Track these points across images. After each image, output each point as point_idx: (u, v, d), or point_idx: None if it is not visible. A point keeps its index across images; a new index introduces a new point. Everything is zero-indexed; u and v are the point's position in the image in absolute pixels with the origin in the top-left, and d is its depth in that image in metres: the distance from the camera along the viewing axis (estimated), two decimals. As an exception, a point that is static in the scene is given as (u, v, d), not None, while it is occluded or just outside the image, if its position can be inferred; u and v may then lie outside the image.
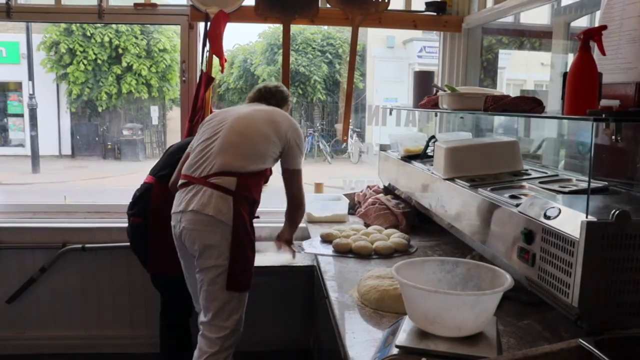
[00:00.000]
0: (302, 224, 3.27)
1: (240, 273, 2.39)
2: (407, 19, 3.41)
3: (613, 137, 1.25)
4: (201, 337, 2.43)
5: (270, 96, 2.80)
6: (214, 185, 2.36)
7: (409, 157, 2.84)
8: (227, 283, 2.35)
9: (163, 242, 2.58)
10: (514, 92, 2.13)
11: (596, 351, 1.14)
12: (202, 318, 2.45)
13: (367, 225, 2.95)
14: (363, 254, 2.48)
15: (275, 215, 3.63)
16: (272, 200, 3.39)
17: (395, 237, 2.61)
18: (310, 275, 3.15)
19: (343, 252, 2.53)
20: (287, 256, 3.20)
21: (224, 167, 2.39)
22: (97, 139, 13.82)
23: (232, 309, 2.40)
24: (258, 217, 2.64)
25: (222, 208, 2.33)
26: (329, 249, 2.60)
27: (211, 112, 3.16)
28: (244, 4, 3.19)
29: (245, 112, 2.58)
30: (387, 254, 2.47)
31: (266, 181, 2.66)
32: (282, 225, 2.81)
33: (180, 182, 2.47)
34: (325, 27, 11.14)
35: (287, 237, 2.81)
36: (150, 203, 2.70)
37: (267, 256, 3.24)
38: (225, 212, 2.33)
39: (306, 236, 3.05)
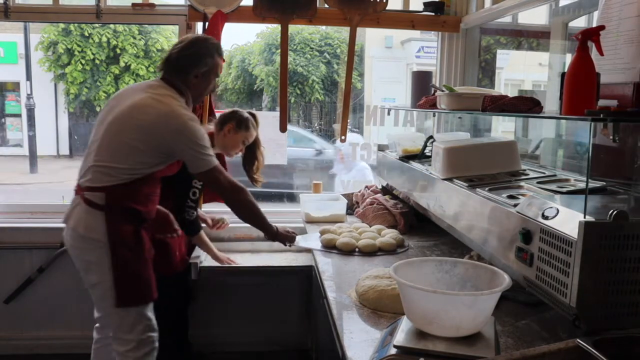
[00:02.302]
0: (300, 224, 3.28)
1: (130, 288, 2.23)
2: (405, 19, 3.41)
3: (611, 137, 1.25)
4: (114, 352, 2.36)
5: (170, 69, 2.34)
6: (85, 199, 2.19)
7: (407, 157, 2.84)
8: (116, 300, 2.21)
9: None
10: (512, 92, 2.13)
11: (594, 351, 1.14)
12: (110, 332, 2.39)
13: (370, 226, 2.96)
14: (345, 250, 2.54)
15: (271, 216, 3.62)
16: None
17: (387, 237, 2.62)
18: (308, 276, 3.15)
19: (329, 247, 2.61)
20: (286, 255, 3.22)
21: (94, 180, 2.19)
22: (95, 139, 13.77)
23: (131, 322, 2.27)
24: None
25: (93, 225, 2.18)
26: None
27: (213, 112, 3.15)
28: (242, 4, 3.19)
29: (124, 107, 2.23)
30: (369, 252, 2.52)
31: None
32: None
33: None
34: (324, 27, 11.14)
35: (269, 237, 2.65)
36: None
37: (264, 257, 3.24)
38: (97, 229, 2.18)
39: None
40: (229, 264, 3.02)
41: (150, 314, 2.34)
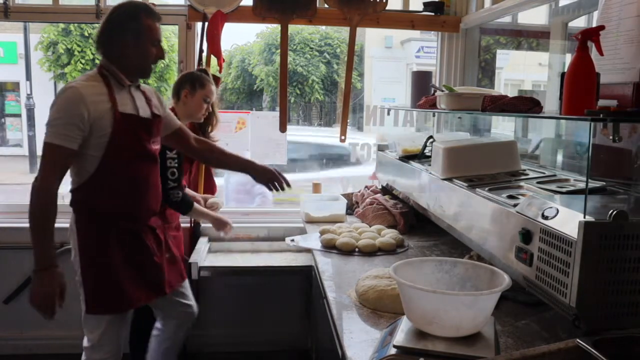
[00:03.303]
0: (300, 224, 3.28)
1: (94, 297, 2.17)
2: (405, 19, 3.41)
3: (611, 137, 1.25)
4: None
5: (99, 48, 2.15)
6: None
7: (406, 157, 2.84)
8: (85, 307, 2.20)
9: None
10: (511, 92, 2.13)
11: (594, 351, 1.14)
12: None
13: (369, 226, 2.96)
14: (345, 250, 2.53)
15: (271, 215, 3.64)
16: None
17: (387, 237, 2.62)
18: (308, 276, 3.15)
19: (328, 247, 2.60)
20: (286, 255, 3.22)
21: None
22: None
23: (91, 326, 2.25)
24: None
25: (70, 226, 2.17)
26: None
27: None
28: (241, 4, 3.19)
29: None
30: (369, 252, 2.52)
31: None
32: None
33: None
34: (323, 27, 11.14)
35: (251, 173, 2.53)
36: None
37: (264, 257, 3.25)
38: (70, 232, 2.16)
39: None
40: (229, 231, 2.94)
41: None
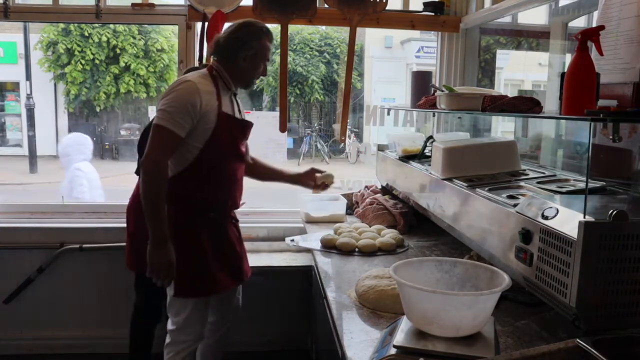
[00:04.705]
0: (300, 224, 3.28)
1: (185, 280, 2.29)
2: (405, 19, 3.41)
3: (611, 137, 1.25)
4: None
5: (219, 53, 2.36)
6: None
7: (406, 157, 2.84)
8: (175, 290, 2.30)
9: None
10: (511, 92, 2.13)
11: (594, 351, 1.14)
12: None
13: (369, 225, 2.95)
14: (344, 250, 2.54)
15: (271, 216, 3.64)
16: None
17: (387, 237, 2.62)
18: (308, 276, 3.15)
19: (328, 247, 2.60)
20: (286, 255, 3.22)
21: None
22: (94, 139, 13.77)
23: (177, 308, 2.35)
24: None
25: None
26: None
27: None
28: (241, 4, 3.19)
29: None
30: (369, 252, 2.51)
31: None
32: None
33: None
34: (323, 27, 11.14)
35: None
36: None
37: (264, 257, 3.25)
38: None
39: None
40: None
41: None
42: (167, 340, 2.41)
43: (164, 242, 2.17)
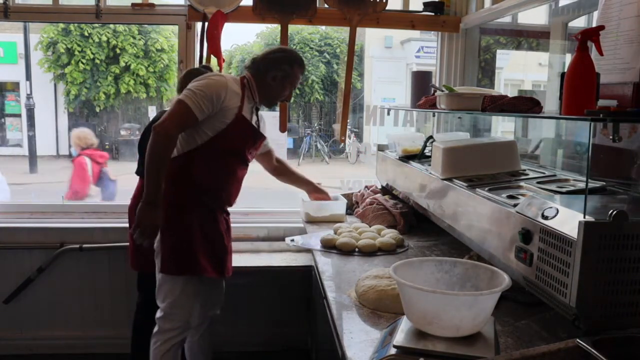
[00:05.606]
0: (300, 224, 3.28)
1: (170, 256, 2.42)
2: (405, 19, 3.41)
3: (611, 137, 1.25)
4: None
5: (253, 67, 2.54)
6: None
7: (406, 157, 2.84)
8: (161, 265, 2.44)
9: None
10: (511, 92, 2.13)
11: (594, 351, 1.14)
12: None
13: (369, 226, 2.95)
14: (344, 250, 2.53)
15: (271, 216, 3.64)
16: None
17: (387, 237, 2.62)
18: (308, 276, 3.15)
19: (328, 247, 2.59)
20: (286, 255, 3.22)
21: None
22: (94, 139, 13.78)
23: (165, 291, 2.46)
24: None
25: None
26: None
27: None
28: (241, 4, 3.19)
29: None
30: (369, 252, 2.51)
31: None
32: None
33: None
34: (323, 27, 11.14)
35: None
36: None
37: (264, 257, 3.25)
38: None
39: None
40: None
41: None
42: (155, 329, 2.50)
43: (155, 205, 2.26)
